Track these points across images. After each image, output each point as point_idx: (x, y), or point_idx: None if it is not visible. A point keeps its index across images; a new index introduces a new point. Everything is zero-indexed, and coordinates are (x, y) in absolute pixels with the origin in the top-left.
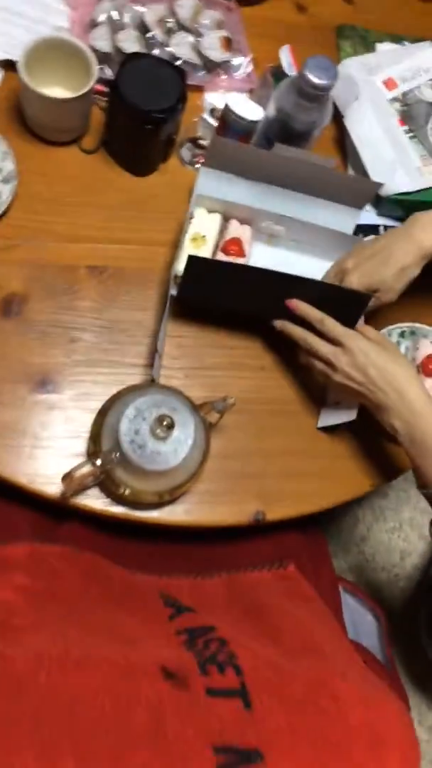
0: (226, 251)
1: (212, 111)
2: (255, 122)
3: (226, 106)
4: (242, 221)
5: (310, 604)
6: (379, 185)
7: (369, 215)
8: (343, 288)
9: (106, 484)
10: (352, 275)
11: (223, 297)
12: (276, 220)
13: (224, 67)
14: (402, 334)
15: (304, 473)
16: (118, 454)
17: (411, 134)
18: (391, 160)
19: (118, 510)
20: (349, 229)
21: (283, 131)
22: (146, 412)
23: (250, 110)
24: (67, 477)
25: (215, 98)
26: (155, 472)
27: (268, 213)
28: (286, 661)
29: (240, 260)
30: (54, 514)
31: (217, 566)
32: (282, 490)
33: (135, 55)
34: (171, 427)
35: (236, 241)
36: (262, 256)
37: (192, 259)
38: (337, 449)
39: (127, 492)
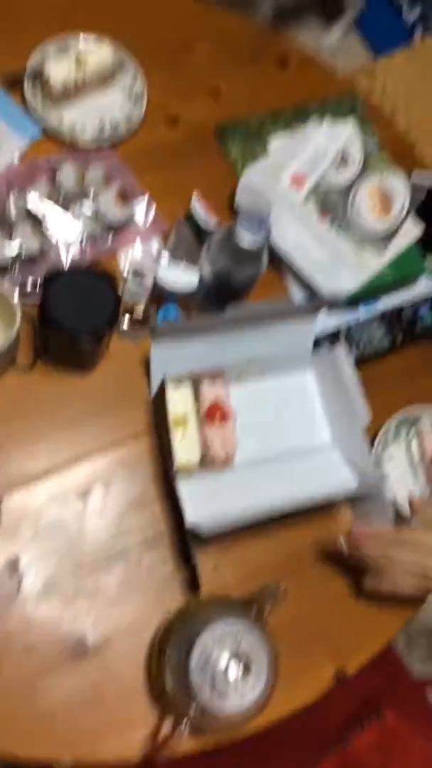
0: (211, 419)
1: (135, 273)
2: (193, 288)
3: (158, 278)
4: (211, 379)
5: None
6: (326, 303)
7: (321, 318)
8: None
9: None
10: None
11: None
12: (244, 364)
13: (128, 222)
14: (397, 425)
15: (359, 609)
16: (197, 702)
17: (336, 225)
18: (327, 261)
19: (210, 741)
20: (311, 339)
21: (225, 289)
22: (213, 651)
23: (183, 275)
24: (160, 746)
25: (130, 255)
26: (245, 707)
27: (235, 361)
28: None
29: (227, 423)
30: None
31: (314, 744)
32: (348, 637)
33: (56, 275)
34: (249, 668)
35: (216, 406)
36: (239, 397)
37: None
38: None
39: (217, 729)
